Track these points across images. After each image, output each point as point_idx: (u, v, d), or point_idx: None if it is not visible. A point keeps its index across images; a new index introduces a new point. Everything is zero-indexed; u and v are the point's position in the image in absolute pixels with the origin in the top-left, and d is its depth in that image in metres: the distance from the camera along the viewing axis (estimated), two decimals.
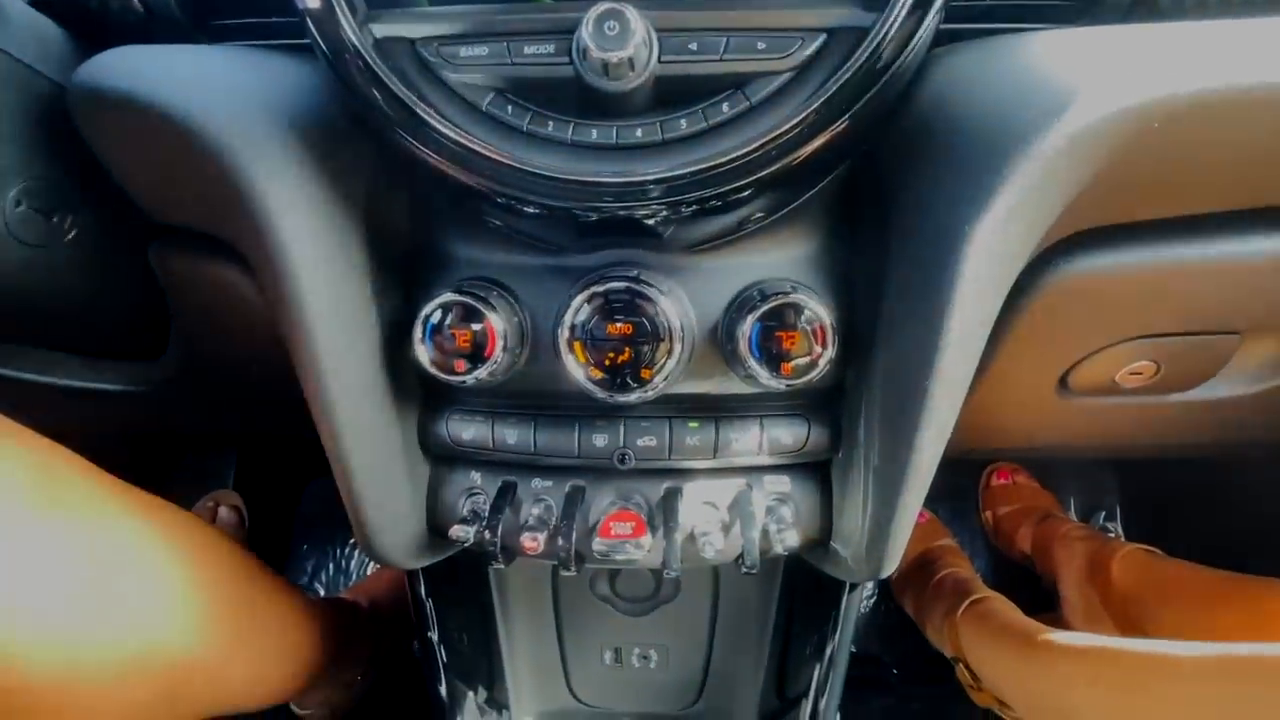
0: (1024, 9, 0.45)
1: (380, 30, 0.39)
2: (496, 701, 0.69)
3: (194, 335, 0.60)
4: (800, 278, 0.46)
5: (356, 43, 0.37)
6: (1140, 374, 0.56)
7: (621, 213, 0.39)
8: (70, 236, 0.47)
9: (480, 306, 0.42)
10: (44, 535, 0.42)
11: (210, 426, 1.00)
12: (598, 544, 0.45)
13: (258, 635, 0.61)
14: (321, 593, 1.26)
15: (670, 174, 0.37)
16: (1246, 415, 0.61)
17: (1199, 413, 0.61)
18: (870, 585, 1.22)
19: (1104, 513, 1.25)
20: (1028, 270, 0.47)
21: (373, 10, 0.40)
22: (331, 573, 1.27)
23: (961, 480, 1.28)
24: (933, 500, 1.27)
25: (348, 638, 0.87)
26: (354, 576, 1.26)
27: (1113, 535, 1.20)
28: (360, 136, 0.43)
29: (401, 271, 0.47)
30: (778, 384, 0.42)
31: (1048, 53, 0.41)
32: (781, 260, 0.46)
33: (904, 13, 0.36)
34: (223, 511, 1.21)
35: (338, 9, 0.37)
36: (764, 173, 0.38)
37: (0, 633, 0.38)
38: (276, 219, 0.41)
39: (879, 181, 0.45)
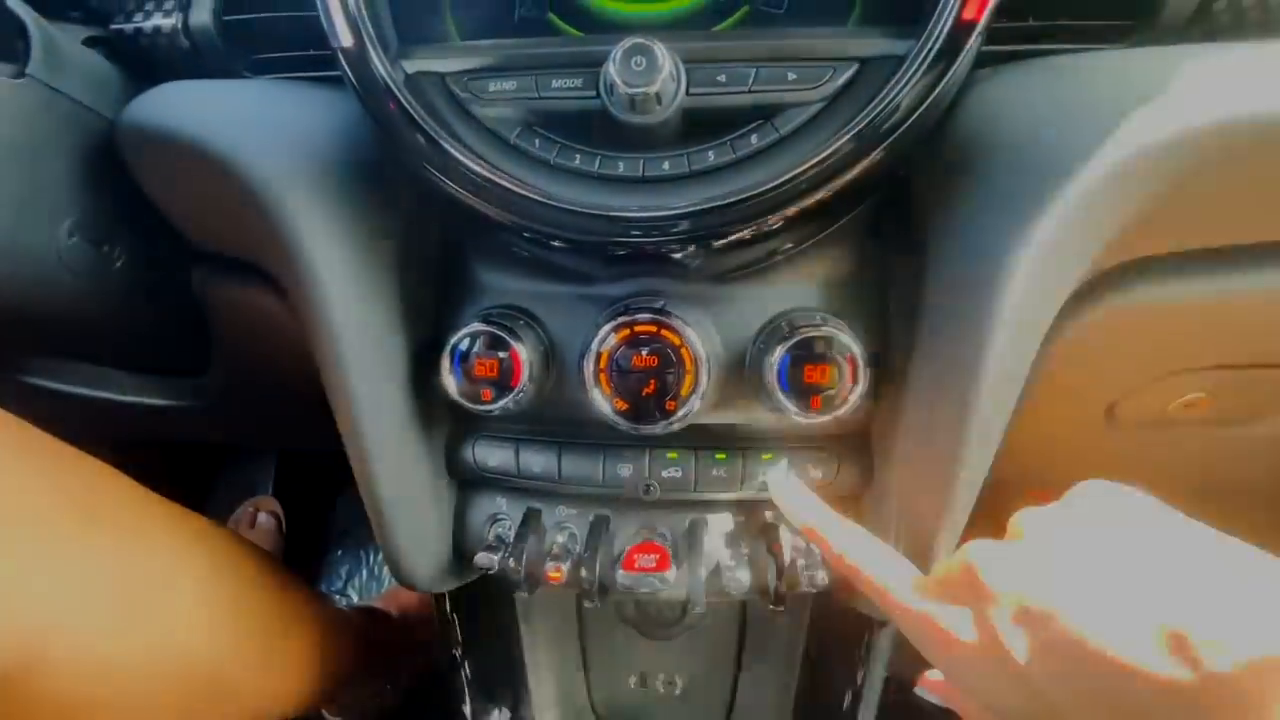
0: (1072, 29, 0.43)
1: (412, 66, 0.40)
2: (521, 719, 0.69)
3: (234, 355, 0.62)
4: (831, 307, 0.45)
5: (387, 78, 0.38)
6: (1195, 406, 0.53)
7: (648, 246, 0.39)
8: (119, 264, 0.49)
9: (506, 336, 0.42)
10: (86, 553, 0.43)
11: (250, 439, 1.03)
12: (622, 576, 0.44)
13: (288, 646, 0.62)
14: (355, 598, 1.28)
15: (696, 208, 0.37)
16: None
17: (1262, 446, 0.57)
18: None
19: None
20: (1074, 299, 0.45)
21: (405, 46, 0.40)
22: (365, 579, 1.30)
23: (1010, 509, 1.22)
24: (977, 532, 1.23)
25: (377, 646, 0.88)
26: (386, 583, 1.28)
27: None
28: (394, 168, 0.44)
29: (432, 299, 0.48)
30: (806, 418, 0.41)
31: (1093, 76, 0.39)
32: (812, 289, 0.45)
33: (940, 41, 0.35)
34: (262, 517, 1.25)
35: (369, 47, 0.38)
36: (794, 207, 0.37)
37: (40, 647, 0.39)
38: (309, 252, 0.42)
39: (915, 209, 0.43)
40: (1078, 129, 0.37)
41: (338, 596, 1.28)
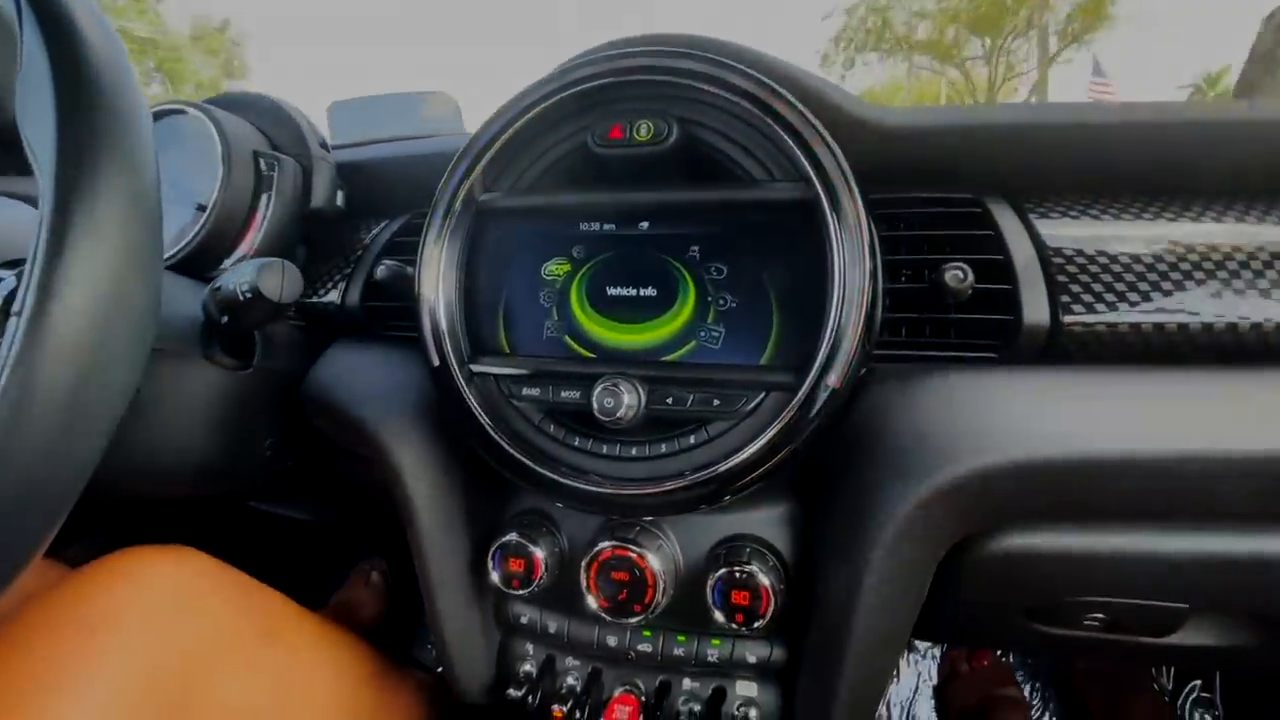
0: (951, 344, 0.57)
1: (478, 368, 0.61)
2: None
3: (357, 501, 0.87)
4: (767, 535, 0.60)
5: (459, 386, 0.59)
6: (1100, 621, 0.62)
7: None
8: (291, 462, 0.74)
9: (529, 545, 0.61)
10: (261, 663, 0.67)
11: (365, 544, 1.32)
12: None
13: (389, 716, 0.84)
14: None
15: (653, 490, 0.54)
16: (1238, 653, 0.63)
17: (1177, 650, 0.64)
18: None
19: (1200, 681, 1.18)
20: (966, 541, 0.57)
21: (474, 354, 0.61)
22: None
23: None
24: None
25: (452, 708, 1.09)
26: None
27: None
28: None
29: (487, 504, 0.68)
30: (732, 627, 0.56)
31: (953, 396, 0.53)
32: (755, 519, 0.61)
33: (815, 387, 0.51)
34: (374, 575, 1.53)
35: (449, 364, 0.59)
36: (727, 487, 0.54)
37: None
38: (405, 475, 0.64)
39: (827, 469, 0.58)
40: (931, 447, 0.51)
41: (430, 648, 1.52)
